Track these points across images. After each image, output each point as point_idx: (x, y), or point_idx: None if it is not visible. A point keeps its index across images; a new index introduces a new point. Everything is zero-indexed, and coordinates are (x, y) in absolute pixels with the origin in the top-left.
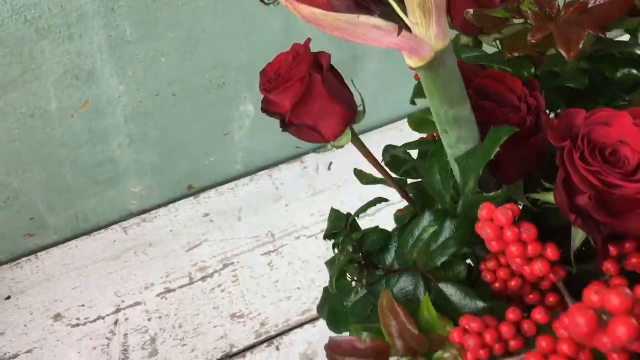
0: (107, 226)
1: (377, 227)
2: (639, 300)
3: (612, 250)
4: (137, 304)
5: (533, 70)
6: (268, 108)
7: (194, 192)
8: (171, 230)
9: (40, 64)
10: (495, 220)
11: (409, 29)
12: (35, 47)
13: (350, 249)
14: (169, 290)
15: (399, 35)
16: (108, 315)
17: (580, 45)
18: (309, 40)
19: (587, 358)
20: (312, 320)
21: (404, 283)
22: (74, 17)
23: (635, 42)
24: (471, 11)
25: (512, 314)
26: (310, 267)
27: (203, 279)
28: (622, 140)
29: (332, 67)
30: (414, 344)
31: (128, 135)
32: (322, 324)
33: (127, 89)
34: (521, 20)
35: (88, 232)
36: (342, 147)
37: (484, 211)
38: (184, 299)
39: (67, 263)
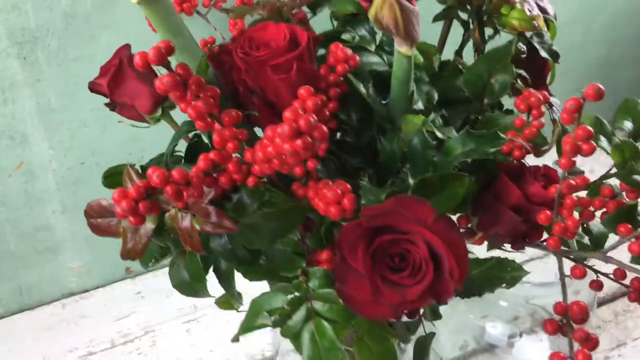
0: (49, 302)
1: None
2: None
3: None
4: None
5: None
6: (94, 88)
7: (131, 275)
8: (105, 305)
9: None
10: None
11: None
12: None
13: None
14: (90, 353)
15: None
16: None
17: None
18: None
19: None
20: None
21: None
22: (7, 84)
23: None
24: None
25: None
26: (225, 334)
27: (124, 343)
28: None
29: None
30: None
31: (61, 202)
32: None
33: (56, 154)
34: None
35: (31, 307)
36: (157, 121)
37: None
38: None
39: (7, 332)
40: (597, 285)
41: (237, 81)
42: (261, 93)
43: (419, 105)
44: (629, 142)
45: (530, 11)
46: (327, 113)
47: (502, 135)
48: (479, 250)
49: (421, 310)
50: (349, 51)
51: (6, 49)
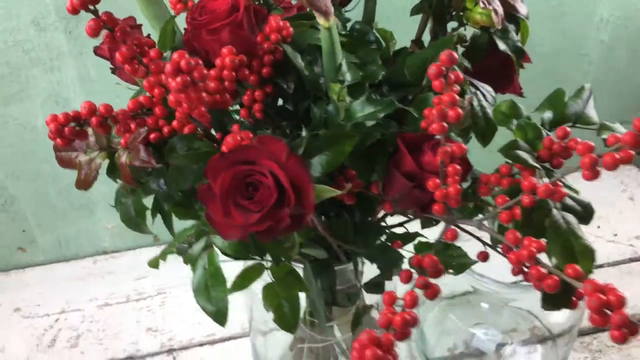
0: (83, 257)
1: None
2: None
3: None
4: (79, 310)
5: None
6: (99, 53)
7: (159, 243)
8: (130, 266)
9: (32, 86)
10: None
11: None
12: (29, 72)
13: None
14: (107, 304)
15: None
16: (53, 314)
17: None
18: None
19: None
20: (211, 343)
21: None
22: (55, 54)
23: None
24: None
25: None
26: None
27: (137, 300)
28: None
29: None
30: None
31: None
32: (219, 346)
33: None
34: None
35: (67, 260)
36: None
37: None
38: (115, 312)
39: (42, 278)
40: (482, 257)
41: (186, 44)
42: (205, 56)
43: (347, 77)
44: (532, 124)
45: (485, 4)
46: (257, 76)
47: (397, 103)
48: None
49: (360, 282)
50: (283, 22)
51: (54, 22)
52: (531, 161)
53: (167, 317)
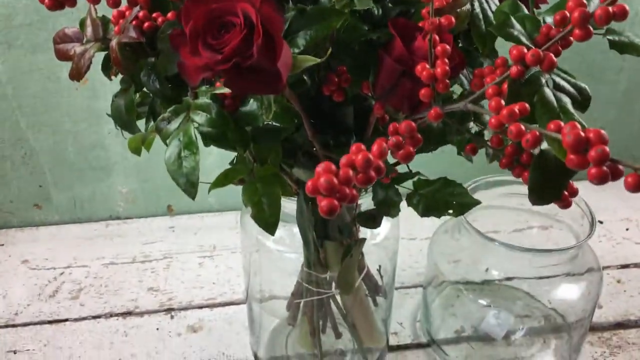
0: (96, 220)
1: None
2: None
3: None
4: (85, 266)
5: None
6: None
7: (172, 214)
8: (140, 231)
9: None
10: None
11: None
12: (56, 20)
13: None
14: (112, 263)
15: None
16: (59, 268)
17: None
18: None
19: None
20: (210, 306)
21: None
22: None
23: None
24: None
25: None
26: (231, 272)
27: (142, 261)
28: None
29: None
30: None
31: None
32: (218, 310)
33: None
34: None
35: (81, 221)
36: None
37: None
38: (119, 271)
39: (54, 237)
40: (471, 149)
41: None
42: None
43: None
44: (532, 16)
45: None
46: None
47: None
48: None
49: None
50: None
51: None
52: (524, 39)
53: (169, 279)
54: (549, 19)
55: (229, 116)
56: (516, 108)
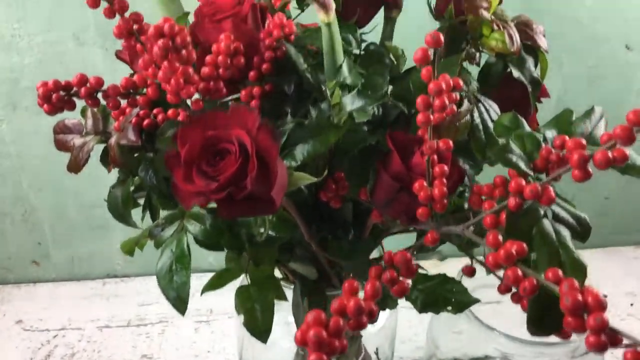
0: (94, 278)
1: None
2: None
3: None
4: (79, 328)
5: None
6: (119, 56)
7: None
8: (137, 291)
9: None
10: None
11: None
12: None
13: None
14: (107, 326)
15: None
16: (53, 330)
17: None
18: None
19: None
20: None
21: None
22: (90, 68)
23: None
24: None
25: None
26: (227, 340)
27: (137, 325)
28: None
29: None
30: None
31: None
32: None
33: None
34: None
35: (78, 279)
36: None
37: None
38: (113, 334)
39: (50, 295)
40: (468, 271)
41: (190, 35)
42: (208, 47)
43: (347, 80)
44: (532, 134)
45: (499, 27)
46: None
47: (388, 95)
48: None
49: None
50: (287, 20)
51: (93, 37)
52: (524, 167)
53: (164, 345)
54: (549, 134)
55: (223, 224)
56: (514, 249)
